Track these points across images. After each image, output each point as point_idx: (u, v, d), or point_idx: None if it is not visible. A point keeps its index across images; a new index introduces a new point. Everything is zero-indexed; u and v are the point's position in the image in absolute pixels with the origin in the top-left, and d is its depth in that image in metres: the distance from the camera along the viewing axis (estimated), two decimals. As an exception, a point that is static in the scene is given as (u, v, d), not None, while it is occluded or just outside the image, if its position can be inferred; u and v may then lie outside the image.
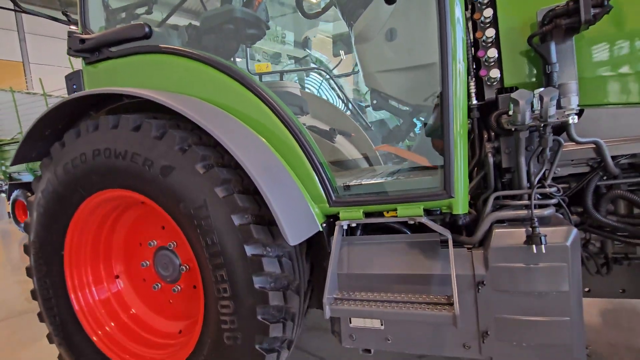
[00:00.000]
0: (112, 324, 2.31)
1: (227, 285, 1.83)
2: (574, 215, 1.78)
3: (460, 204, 1.69)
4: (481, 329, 1.67)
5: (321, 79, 4.20)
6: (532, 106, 1.56)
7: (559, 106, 1.59)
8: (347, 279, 1.89)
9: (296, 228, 1.74)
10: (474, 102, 1.83)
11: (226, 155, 1.94)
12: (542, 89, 1.51)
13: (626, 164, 1.75)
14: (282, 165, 1.94)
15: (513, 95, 1.51)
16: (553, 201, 1.62)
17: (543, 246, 1.49)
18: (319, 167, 1.91)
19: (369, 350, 1.93)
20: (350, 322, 1.90)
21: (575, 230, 1.53)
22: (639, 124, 1.63)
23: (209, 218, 1.81)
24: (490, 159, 1.76)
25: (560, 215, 1.71)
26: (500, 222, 1.71)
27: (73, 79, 2.45)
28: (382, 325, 1.84)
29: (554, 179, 1.86)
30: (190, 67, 2.13)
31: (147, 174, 1.91)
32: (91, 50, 2.35)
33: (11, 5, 3.01)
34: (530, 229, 1.52)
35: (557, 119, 1.53)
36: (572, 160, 1.75)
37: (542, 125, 1.55)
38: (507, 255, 1.57)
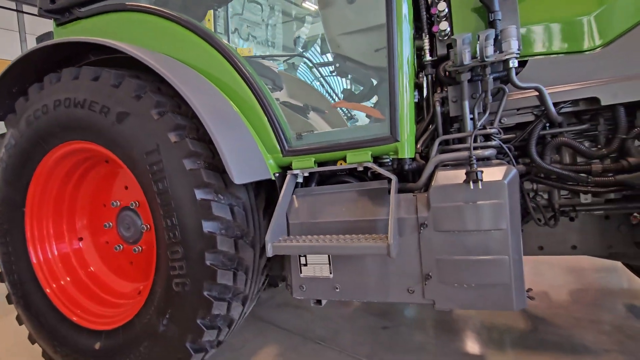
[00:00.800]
0: (68, 279, 2.30)
1: (177, 230, 1.84)
2: (520, 165, 1.80)
3: (407, 148, 1.72)
4: (424, 271, 1.67)
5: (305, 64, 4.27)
6: (474, 50, 1.60)
7: (501, 50, 1.64)
8: (299, 228, 1.89)
9: (243, 169, 1.76)
10: (428, 58, 1.87)
11: (184, 105, 1.97)
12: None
13: (570, 112, 1.78)
14: (237, 115, 1.97)
15: (453, 36, 1.55)
16: (494, 143, 1.65)
17: (480, 182, 1.50)
18: (273, 117, 1.94)
19: (319, 302, 1.92)
20: (301, 272, 1.89)
21: (514, 170, 1.55)
22: (580, 71, 1.67)
23: (161, 162, 1.83)
24: (438, 108, 1.79)
25: (505, 162, 1.73)
26: (445, 166, 1.73)
27: (44, 40, 2.50)
28: (330, 273, 1.84)
29: (502, 129, 1.89)
30: (157, 25, 2.18)
31: (103, 122, 1.94)
32: (61, 11, 2.41)
33: (12, 5, 3.07)
34: (473, 164, 1.54)
35: (495, 60, 1.57)
36: (518, 110, 1.78)
37: (481, 66, 1.58)
38: (446, 195, 1.59)
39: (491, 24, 1.69)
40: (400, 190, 1.81)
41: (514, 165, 1.75)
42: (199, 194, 1.81)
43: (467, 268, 1.58)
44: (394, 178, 1.68)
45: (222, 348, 2.65)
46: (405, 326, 2.77)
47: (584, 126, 1.74)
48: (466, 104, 1.69)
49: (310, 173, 1.94)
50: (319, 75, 4.15)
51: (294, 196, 1.96)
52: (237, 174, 1.69)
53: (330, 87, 3.82)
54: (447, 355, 2.33)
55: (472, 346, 2.44)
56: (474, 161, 1.54)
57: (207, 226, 1.81)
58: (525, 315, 2.76)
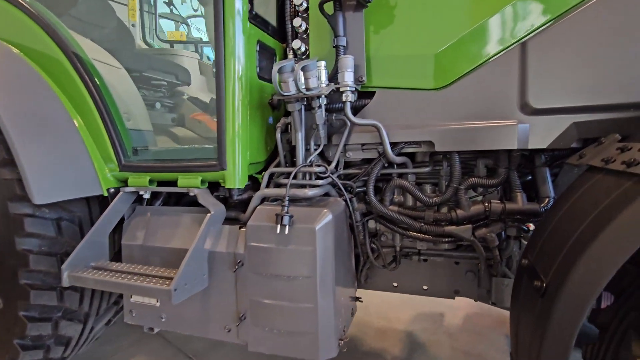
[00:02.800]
0: None
1: (-10, 245, 1.68)
2: (362, 204, 1.70)
3: (236, 178, 1.59)
4: (239, 311, 1.57)
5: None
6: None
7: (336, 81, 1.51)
8: (130, 251, 1.76)
9: (55, 185, 1.60)
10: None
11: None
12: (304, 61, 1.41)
13: (416, 153, 1.68)
14: (69, 120, 1.78)
15: (275, 64, 1.40)
16: (322, 182, 1.53)
17: (287, 227, 1.39)
18: (111, 126, 1.77)
19: (152, 329, 1.82)
20: (131, 297, 1.78)
21: (329, 215, 1.44)
22: (422, 110, 1.55)
23: (-27, 170, 1.65)
24: (278, 135, 1.65)
25: (340, 201, 1.63)
26: (275, 201, 1.62)
27: None
28: (157, 302, 1.72)
29: (348, 163, 1.78)
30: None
31: None
32: None
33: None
34: (285, 207, 1.42)
35: (320, 93, 1.43)
36: (363, 146, 1.67)
37: (305, 97, 1.45)
38: (260, 235, 1.47)
39: (335, 50, 1.55)
40: (234, 221, 1.69)
41: (348, 205, 1.65)
42: (12, 208, 1.65)
43: (276, 313, 1.48)
44: (214, 210, 1.56)
45: (93, 355, 2.56)
46: None
47: (424, 169, 1.64)
48: (299, 135, 1.56)
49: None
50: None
51: (135, 215, 1.82)
52: (40, 193, 1.54)
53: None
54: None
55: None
56: (286, 202, 1.42)
57: (20, 243, 1.66)
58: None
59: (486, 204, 1.51)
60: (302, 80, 1.43)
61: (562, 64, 1.35)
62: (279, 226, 1.39)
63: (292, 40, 1.71)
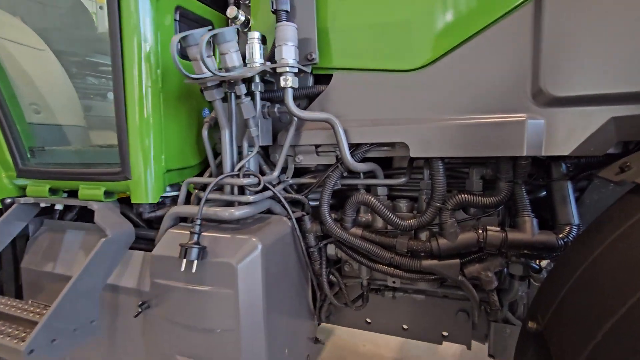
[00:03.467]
0: None
1: None
2: (317, 224, 1.29)
3: (145, 191, 1.20)
4: (149, 366, 1.20)
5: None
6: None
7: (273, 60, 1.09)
8: (29, 276, 1.41)
9: None
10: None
11: None
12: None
13: (394, 157, 1.26)
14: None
15: (176, 35, 1.00)
16: (254, 197, 1.13)
17: (195, 263, 1.00)
18: (7, 125, 1.40)
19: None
20: None
21: (258, 245, 1.04)
22: (394, 100, 1.12)
23: None
24: (204, 133, 1.25)
25: (286, 221, 1.22)
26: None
27: None
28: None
29: (301, 170, 1.37)
30: None
31: None
32: None
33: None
34: (194, 234, 1.03)
35: (241, 74, 1.02)
36: (317, 147, 1.25)
37: (226, 82, 1.04)
38: (167, 269, 1.09)
39: (277, 15, 1.13)
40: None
41: (293, 225, 1.24)
42: None
43: (191, 374, 1.10)
44: (112, 232, 1.17)
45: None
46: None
47: (398, 180, 1.21)
48: (225, 134, 1.15)
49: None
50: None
51: (40, 232, 1.46)
52: None
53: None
54: None
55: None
56: (197, 227, 1.02)
57: None
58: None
59: (480, 232, 1.07)
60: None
61: (597, 30, 0.90)
62: (184, 261, 1.00)
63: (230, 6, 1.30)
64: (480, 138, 1.01)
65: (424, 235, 1.20)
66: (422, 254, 1.15)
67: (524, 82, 0.99)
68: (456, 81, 1.06)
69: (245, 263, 1.03)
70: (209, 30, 1.00)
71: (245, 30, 1.31)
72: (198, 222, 1.03)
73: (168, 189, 1.30)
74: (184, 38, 0.98)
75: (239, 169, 1.13)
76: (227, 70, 1.03)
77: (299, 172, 1.38)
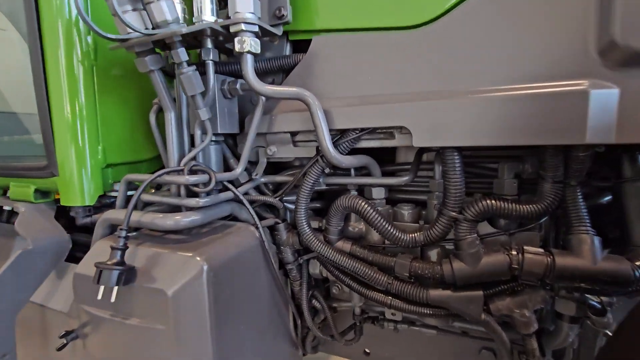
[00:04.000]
0: None
1: None
2: (294, 234, 1.00)
3: (79, 191, 0.95)
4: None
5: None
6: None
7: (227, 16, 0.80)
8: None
9: None
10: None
11: None
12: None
13: (397, 148, 0.95)
14: None
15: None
16: (204, 200, 0.85)
17: (115, 290, 0.74)
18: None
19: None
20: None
21: (201, 266, 0.76)
22: (394, 67, 0.82)
23: None
24: (152, 119, 0.98)
25: (253, 230, 0.94)
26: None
27: None
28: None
29: (282, 166, 1.08)
30: None
31: None
32: None
33: None
34: (117, 250, 0.77)
35: (175, 31, 0.74)
36: (293, 135, 0.96)
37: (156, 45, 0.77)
38: (90, 293, 0.83)
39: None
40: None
41: (261, 239, 0.95)
42: None
43: None
44: (34, 242, 0.93)
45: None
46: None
47: (400, 179, 0.90)
48: (169, 117, 0.88)
49: None
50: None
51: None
52: None
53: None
54: None
55: None
56: (121, 240, 0.76)
57: None
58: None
59: (514, 254, 0.75)
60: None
61: None
62: (101, 288, 0.75)
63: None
64: (516, 119, 0.69)
65: (434, 254, 0.89)
66: (431, 280, 0.84)
67: (584, 31, 0.66)
68: (481, 37, 0.74)
69: (183, 290, 0.75)
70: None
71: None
72: (122, 233, 0.77)
73: (118, 187, 1.05)
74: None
75: (185, 164, 0.85)
76: (156, 27, 0.75)
77: (278, 167, 1.10)
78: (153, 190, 1.08)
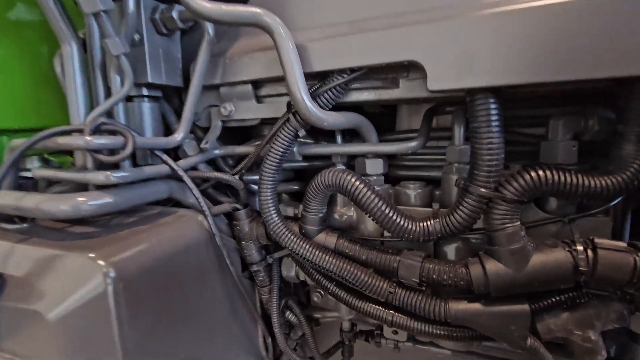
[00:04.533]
0: None
1: None
2: (260, 224, 0.73)
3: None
4: None
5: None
6: None
7: None
8: None
9: None
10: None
11: None
12: None
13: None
14: None
15: None
16: (117, 176, 0.58)
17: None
18: None
19: None
20: None
21: (109, 274, 0.50)
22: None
23: None
24: (57, 64, 0.71)
25: (200, 219, 0.67)
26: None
27: None
28: None
29: (243, 132, 0.81)
30: None
31: None
32: None
33: None
34: None
35: None
36: (258, 87, 0.69)
37: None
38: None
39: None
40: None
41: (211, 231, 0.68)
42: None
43: None
44: None
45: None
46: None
47: (404, 146, 0.64)
48: (70, 52, 0.61)
49: None
50: None
51: None
52: None
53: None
54: None
55: None
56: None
57: None
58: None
59: (580, 249, 0.50)
60: None
61: None
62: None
63: None
64: (584, 40, 0.43)
65: (453, 251, 0.64)
66: (452, 289, 0.58)
67: None
68: None
69: (75, 311, 0.49)
70: None
71: None
72: None
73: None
74: None
75: (91, 122, 0.58)
76: None
77: (243, 137, 0.83)
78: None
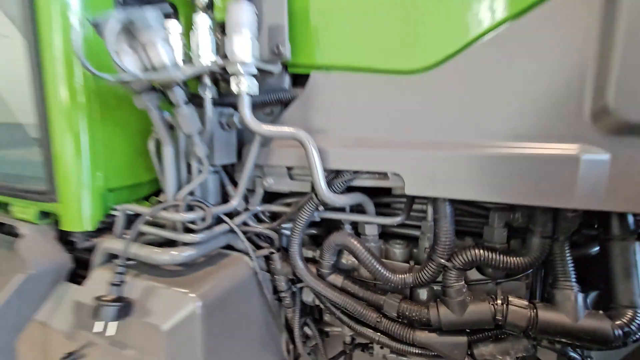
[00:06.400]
0: None
1: None
2: (288, 264, 1.02)
3: (77, 217, 0.98)
4: None
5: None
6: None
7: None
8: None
9: None
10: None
11: None
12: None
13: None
14: None
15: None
16: (199, 236, 0.87)
17: (108, 325, 0.77)
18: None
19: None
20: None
21: (197, 303, 0.79)
22: (392, 111, 0.82)
23: None
24: (151, 145, 1.00)
25: (247, 260, 0.96)
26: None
27: None
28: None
29: (274, 196, 1.09)
30: None
31: None
32: None
33: None
34: (114, 286, 0.80)
35: (175, 78, 0.75)
36: (290, 169, 0.97)
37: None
38: (86, 321, 0.86)
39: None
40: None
41: (256, 266, 0.97)
42: None
43: None
44: (37, 267, 0.96)
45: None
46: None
47: (392, 219, 0.91)
48: (167, 152, 0.90)
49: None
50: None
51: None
52: None
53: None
54: None
55: None
56: (117, 277, 0.79)
57: None
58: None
59: (499, 304, 0.77)
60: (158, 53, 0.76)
61: None
62: (95, 323, 0.78)
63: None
64: (506, 178, 0.69)
65: (423, 293, 0.91)
66: (418, 321, 0.86)
67: (579, 94, 0.66)
68: (478, 90, 0.74)
69: (177, 326, 0.78)
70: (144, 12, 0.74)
71: (209, 11, 1.03)
72: (120, 269, 0.80)
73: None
74: (95, 21, 0.72)
75: (182, 199, 0.87)
76: (154, 69, 0.76)
77: (276, 194, 1.12)
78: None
